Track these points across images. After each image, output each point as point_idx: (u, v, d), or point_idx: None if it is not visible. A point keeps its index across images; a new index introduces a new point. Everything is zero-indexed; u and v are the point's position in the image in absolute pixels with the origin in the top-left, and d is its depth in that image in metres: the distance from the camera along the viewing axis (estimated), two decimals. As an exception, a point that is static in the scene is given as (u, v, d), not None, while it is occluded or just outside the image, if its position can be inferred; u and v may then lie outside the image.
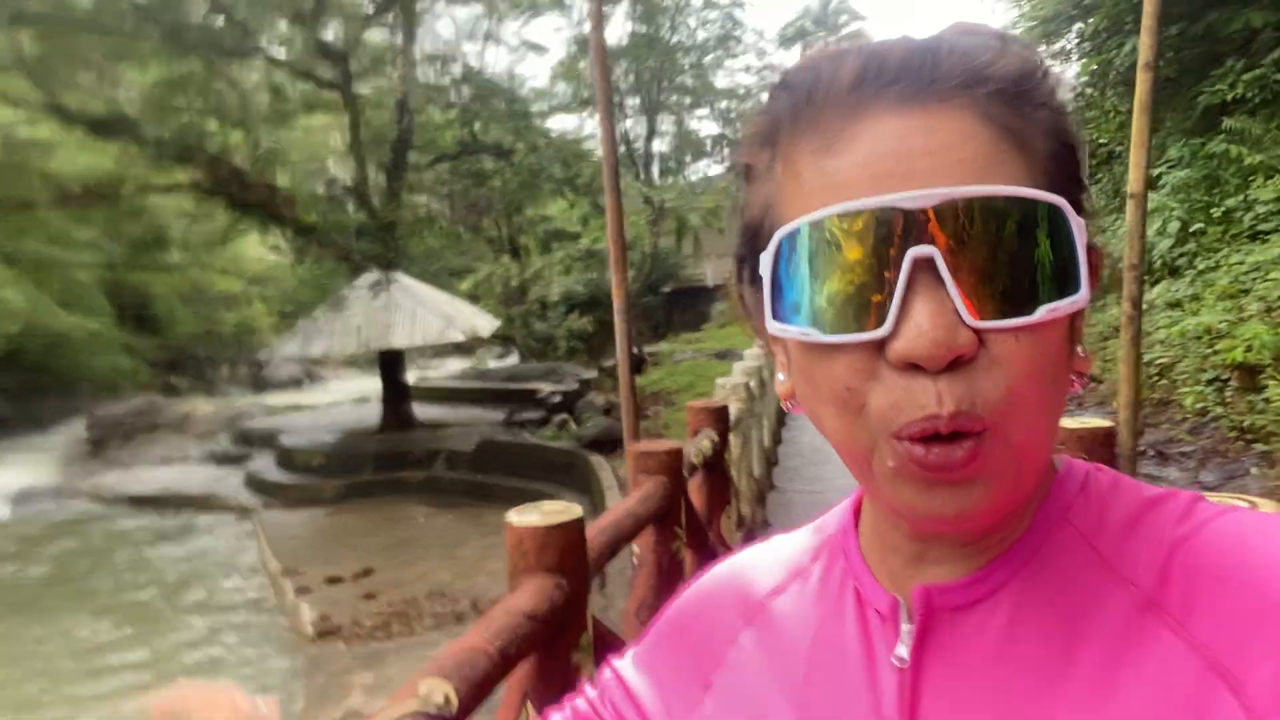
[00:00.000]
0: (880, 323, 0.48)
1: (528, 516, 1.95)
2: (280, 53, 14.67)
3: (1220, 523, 0.53)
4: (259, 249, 21.78)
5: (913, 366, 0.48)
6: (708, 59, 28.76)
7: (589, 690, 0.77)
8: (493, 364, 25.66)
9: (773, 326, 0.53)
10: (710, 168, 30.46)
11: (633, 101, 27.65)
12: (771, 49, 31.03)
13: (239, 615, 9.28)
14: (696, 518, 3.53)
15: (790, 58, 0.97)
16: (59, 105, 11.98)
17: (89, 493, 14.62)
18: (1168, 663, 0.49)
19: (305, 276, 23.00)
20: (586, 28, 10.33)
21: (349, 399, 21.51)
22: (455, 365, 27.13)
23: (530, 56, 61.72)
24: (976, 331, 0.47)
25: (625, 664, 0.74)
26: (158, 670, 7.82)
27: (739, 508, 5.41)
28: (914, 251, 0.47)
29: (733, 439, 5.05)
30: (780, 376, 0.60)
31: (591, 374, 17.92)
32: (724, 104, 29.61)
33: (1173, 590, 0.51)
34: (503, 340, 23.27)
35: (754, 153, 0.57)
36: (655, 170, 29.56)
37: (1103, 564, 0.53)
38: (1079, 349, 0.55)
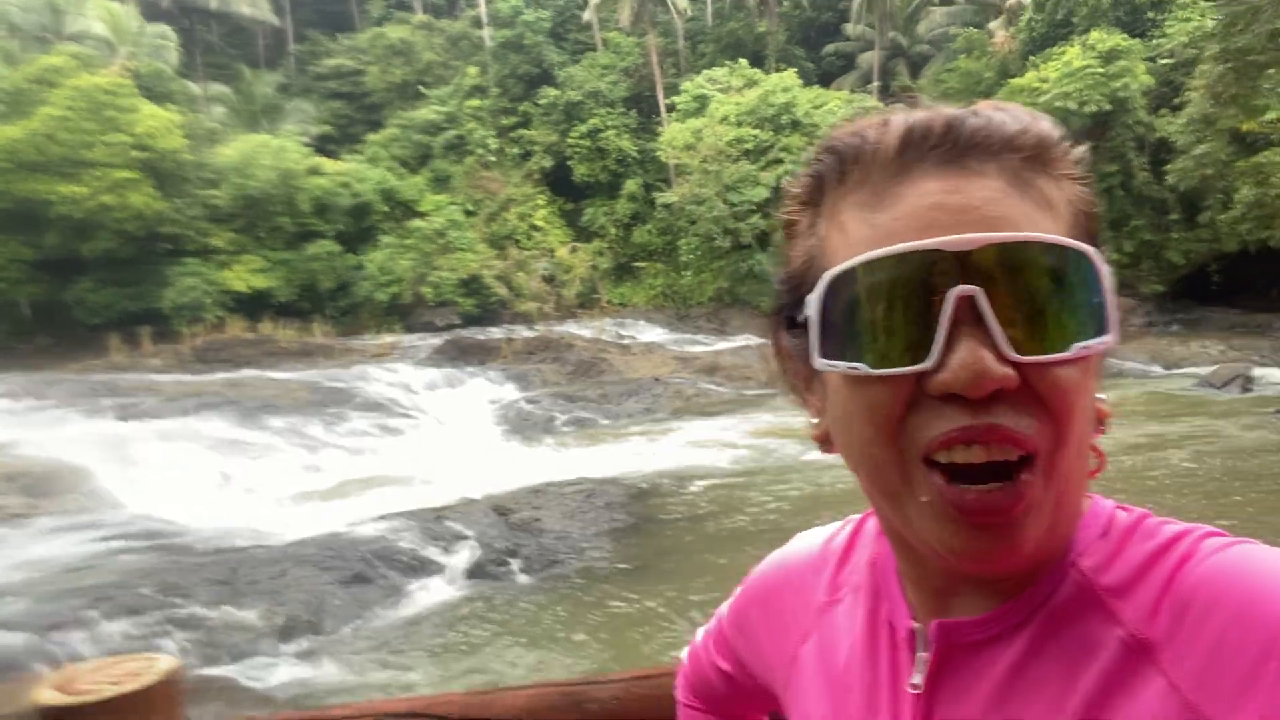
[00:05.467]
0: (925, 357, 0.52)
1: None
2: None
3: (1217, 559, 0.54)
4: None
5: (954, 397, 0.52)
6: None
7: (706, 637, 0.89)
8: None
9: (819, 363, 0.58)
10: None
11: None
12: None
13: None
14: None
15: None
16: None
17: None
18: (1151, 703, 0.52)
19: None
20: None
21: None
22: None
23: None
24: (1017, 366, 0.52)
25: (726, 619, 0.85)
26: None
27: None
28: (957, 290, 0.52)
29: None
30: (814, 421, 0.65)
31: None
32: None
33: (1160, 627, 0.53)
34: None
35: (797, 211, 0.63)
36: None
37: (1105, 607, 0.56)
38: (1100, 396, 0.58)
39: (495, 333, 25.32)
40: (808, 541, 0.80)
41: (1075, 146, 0.60)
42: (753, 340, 23.09)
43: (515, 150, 35.71)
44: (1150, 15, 21.78)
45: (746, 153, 28.92)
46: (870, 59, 34.13)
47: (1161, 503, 8.85)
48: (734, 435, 13.55)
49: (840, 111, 28.31)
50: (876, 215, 0.56)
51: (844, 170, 0.59)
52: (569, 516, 9.28)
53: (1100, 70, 20.34)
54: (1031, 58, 22.90)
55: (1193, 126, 14.03)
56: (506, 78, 36.70)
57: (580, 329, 25.51)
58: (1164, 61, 20.20)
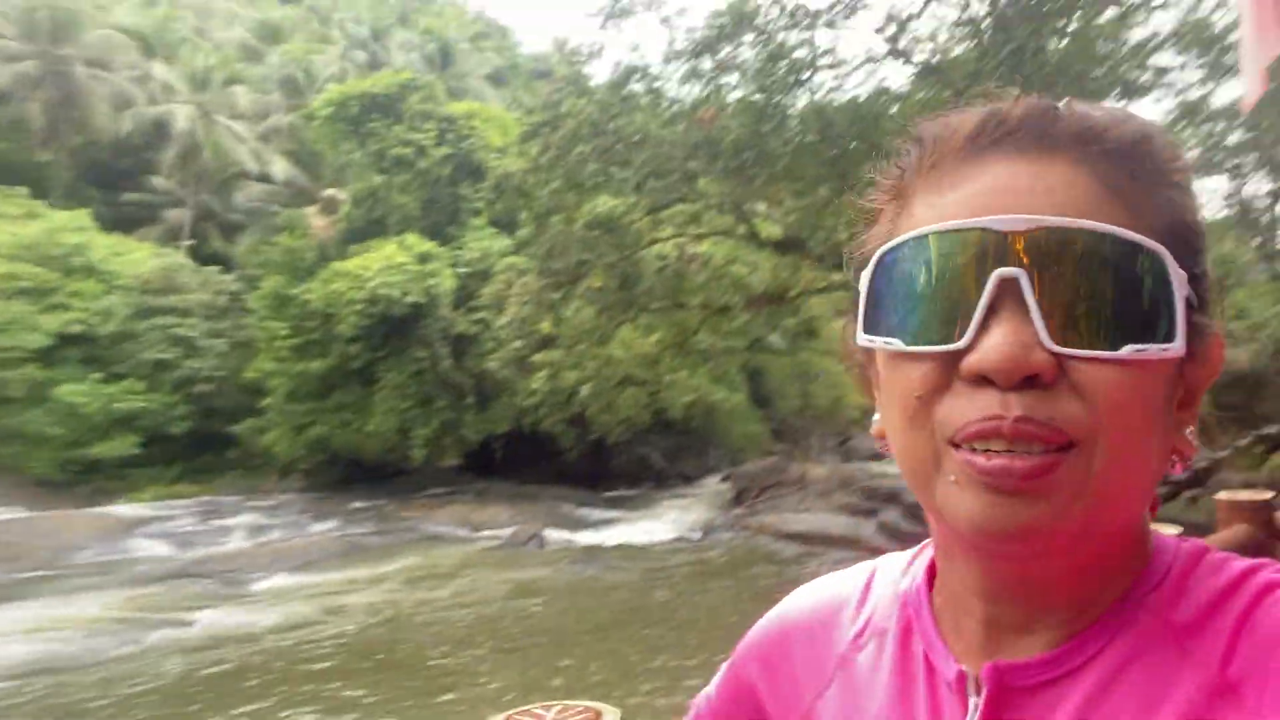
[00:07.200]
0: (960, 336, 0.50)
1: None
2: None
3: None
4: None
5: (984, 380, 0.50)
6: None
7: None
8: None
9: (861, 338, 0.57)
10: None
11: None
12: None
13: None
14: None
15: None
16: (753, 234, 15.99)
17: (754, 528, 18.39)
18: None
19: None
20: None
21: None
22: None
23: None
24: (1056, 357, 0.49)
25: (712, 700, 0.78)
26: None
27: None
28: (1000, 272, 0.50)
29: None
30: (875, 418, 0.61)
31: (1223, 452, 16.65)
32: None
33: (1237, 667, 0.49)
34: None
35: (883, 200, 0.61)
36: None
37: (1179, 648, 0.51)
38: (1189, 431, 0.53)
39: None
40: (813, 594, 0.74)
41: (1177, 152, 0.55)
42: (20, 513, 18.72)
43: None
44: (450, 230, 25.59)
45: (21, 292, 24.36)
46: (180, 216, 32.46)
47: (528, 647, 9.76)
48: (26, 625, 10.66)
49: (150, 264, 26.13)
50: (941, 198, 0.55)
51: (922, 158, 0.58)
52: None
53: (417, 268, 23.01)
54: (352, 246, 24.66)
55: (514, 325, 16.83)
56: None
57: None
58: (461, 270, 23.81)
